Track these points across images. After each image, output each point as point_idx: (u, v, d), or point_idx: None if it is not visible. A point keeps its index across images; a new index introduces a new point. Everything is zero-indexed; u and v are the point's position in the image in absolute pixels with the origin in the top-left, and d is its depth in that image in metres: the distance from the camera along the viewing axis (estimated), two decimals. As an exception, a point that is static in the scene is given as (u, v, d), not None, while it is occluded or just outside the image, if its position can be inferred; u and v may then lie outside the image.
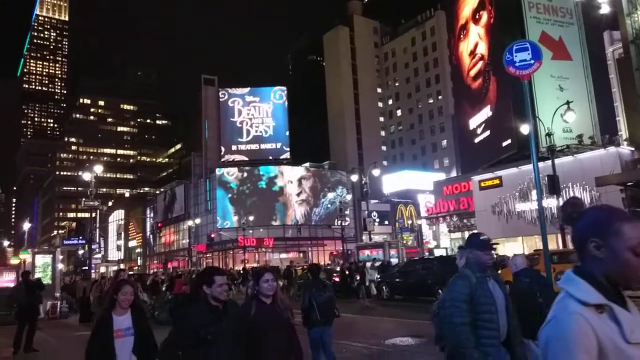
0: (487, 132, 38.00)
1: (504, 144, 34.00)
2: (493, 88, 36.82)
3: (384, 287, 19.76)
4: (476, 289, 3.32)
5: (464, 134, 43.71)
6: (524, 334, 5.11)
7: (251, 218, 50.50)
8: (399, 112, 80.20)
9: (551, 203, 25.32)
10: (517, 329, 3.49)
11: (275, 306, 3.74)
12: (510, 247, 31.21)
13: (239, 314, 3.64)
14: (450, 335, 3.38)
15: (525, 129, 20.49)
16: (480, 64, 39.38)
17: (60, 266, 27.64)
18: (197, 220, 57.34)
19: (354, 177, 34.97)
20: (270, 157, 66.17)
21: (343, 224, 46.95)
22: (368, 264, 21.99)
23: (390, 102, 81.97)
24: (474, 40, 40.26)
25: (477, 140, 39.79)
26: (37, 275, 16.89)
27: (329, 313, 6.40)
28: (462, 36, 43.07)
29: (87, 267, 26.51)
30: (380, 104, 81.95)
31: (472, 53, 40.68)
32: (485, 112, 38.32)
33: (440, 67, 70.94)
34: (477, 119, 39.88)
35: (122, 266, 75.73)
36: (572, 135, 29.51)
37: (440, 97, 71.95)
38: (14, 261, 37.88)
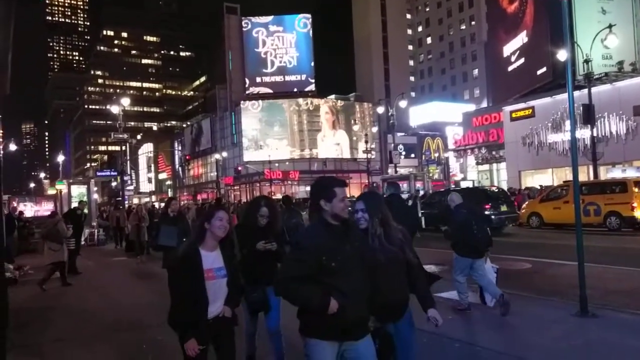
0: (522, 60, 36.34)
1: (539, 72, 32.57)
2: (530, 12, 34.77)
3: (408, 218, 19.89)
4: None
5: (497, 62, 41.94)
6: (468, 255, 6.06)
7: (277, 151, 50.78)
8: (428, 40, 77.02)
9: (584, 134, 24.56)
10: None
11: (380, 240, 3.03)
12: (540, 179, 30.84)
13: (363, 235, 2.94)
14: None
15: (562, 55, 19.46)
16: (517, -14, 37.02)
17: (95, 196, 28.80)
18: (224, 154, 58.04)
19: (381, 109, 34.26)
20: (295, 90, 65.20)
21: (369, 156, 46.93)
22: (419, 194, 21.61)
23: (419, 29, 78.54)
24: (512, -41, 37.61)
25: (510, 68, 38.19)
26: (73, 205, 17.63)
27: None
28: (498, -45, 40.27)
29: (120, 198, 27.60)
30: (409, 31, 78.62)
31: (509, -27, 38.14)
32: (521, 38, 36.45)
33: (473, -10, 67.00)
34: (512, 46, 38.05)
35: (153, 198, 78.39)
36: (612, 62, 27.98)
37: (473, 22, 68.43)
38: (51, 192, 39.55)
